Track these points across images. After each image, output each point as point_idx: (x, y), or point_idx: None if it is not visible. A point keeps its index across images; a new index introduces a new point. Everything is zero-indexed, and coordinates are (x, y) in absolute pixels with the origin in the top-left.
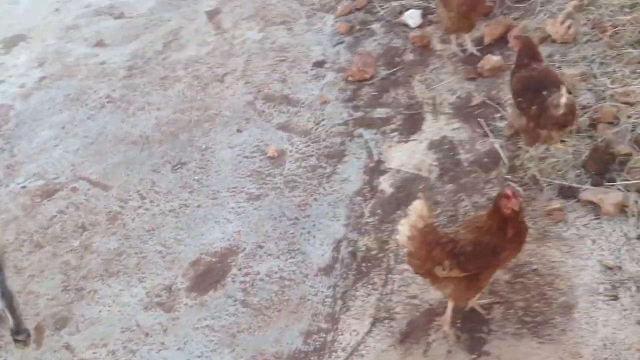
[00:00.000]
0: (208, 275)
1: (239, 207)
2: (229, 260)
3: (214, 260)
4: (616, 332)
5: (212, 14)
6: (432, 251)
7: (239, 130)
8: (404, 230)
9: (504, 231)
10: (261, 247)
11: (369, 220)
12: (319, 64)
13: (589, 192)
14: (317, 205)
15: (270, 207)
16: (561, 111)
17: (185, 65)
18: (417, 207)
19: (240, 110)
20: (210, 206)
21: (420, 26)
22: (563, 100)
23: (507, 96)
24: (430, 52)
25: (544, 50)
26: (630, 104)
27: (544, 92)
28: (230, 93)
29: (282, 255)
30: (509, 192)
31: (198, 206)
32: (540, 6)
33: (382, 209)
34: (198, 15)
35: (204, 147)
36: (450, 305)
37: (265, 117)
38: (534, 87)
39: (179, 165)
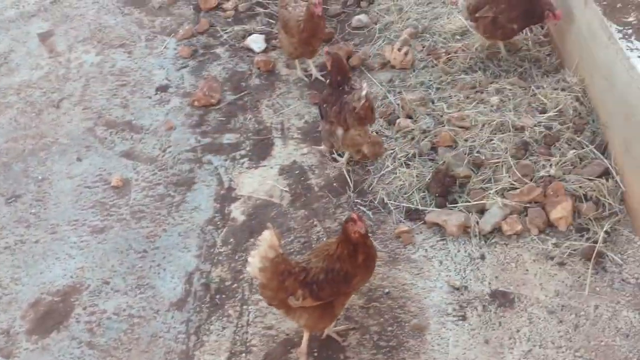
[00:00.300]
0: (50, 316)
1: (82, 242)
2: (72, 299)
3: (55, 299)
4: (466, 352)
5: (45, 37)
6: (284, 281)
7: (78, 159)
8: (254, 262)
9: (354, 257)
10: (107, 283)
11: (221, 249)
12: (162, 89)
13: (433, 214)
14: (167, 236)
15: (115, 240)
16: (362, 102)
17: (17, 90)
18: (267, 237)
19: (80, 137)
20: (49, 241)
21: (264, 51)
22: (363, 92)
23: None
24: (276, 76)
25: (385, 75)
26: (466, 128)
27: (345, 97)
28: (67, 119)
29: (130, 291)
30: (354, 216)
31: (36, 242)
32: (379, 33)
33: (234, 237)
34: (29, 38)
35: (40, 177)
36: (306, 335)
37: (107, 145)
38: (337, 95)
39: (13, 198)
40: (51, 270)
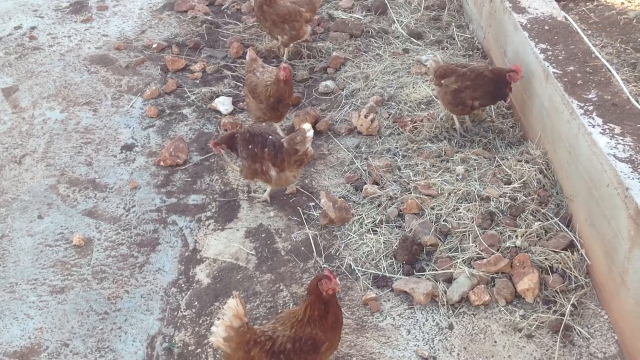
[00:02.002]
0: None
1: (41, 301)
2: None
3: None
4: None
5: (9, 92)
6: (250, 351)
7: (40, 217)
8: (219, 331)
9: (324, 317)
10: (66, 345)
11: (185, 313)
12: (128, 147)
13: (401, 282)
14: (129, 298)
15: (76, 301)
16: (307, 145)
17: None
18: (232, 305)
19: (41, 194)
20: (7, 300)
21: (231, 113)
22: (309, 133)
23: (319, 184)
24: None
25: (351, 141)
26: (432, 196)
27: (270, 137)
28: (29, 176)
29: (90, 354)
30: (327, 273)
31: None
32: (345, 99)
33: (199, 300)
34: None
35: (0, 234)
36: None
37: (69, 203)
38: (260, 134)
39: None
40: (8, 330)
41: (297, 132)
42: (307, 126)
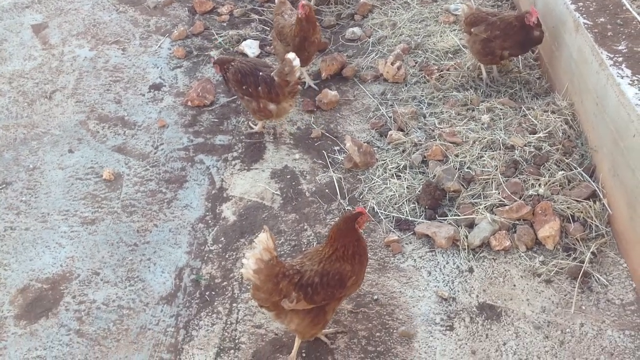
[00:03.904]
0: (38, 303)
1: (72, 232)
2: (61, 288)
3: (45, 287)
4: None
5: (38, 28)
6: (278, 283)
7: (70, 151)
8: (249, 263)
9: (357, 254)
10: (97, 274)
11: (212, 248)
12: (156, 87)
13: (423, 226)
14: (158, 232)
15: (106, 232)
16: (297, 74)
17: (9, 79)
18: (263, 239)
19: (72, 129)
20: (39, 229)
21: (258, 56)
22: (295, 62)
23: (344, 129)
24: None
25: (377, 88)
26: (457, 144)
27: (260, 73)
28: (60, 111)
29: (120, 282)
30: (360, 209)
31: (26, 229)
32: (372, 46)
33: (225, 236)
34: (23, 28)
35: (31, 166)
36: (297, 342)
37: (99, 139)
38: (250, 72)
39: (4, 185)
40: (41, 258)
41: (284, 63)
42: (291, 55)
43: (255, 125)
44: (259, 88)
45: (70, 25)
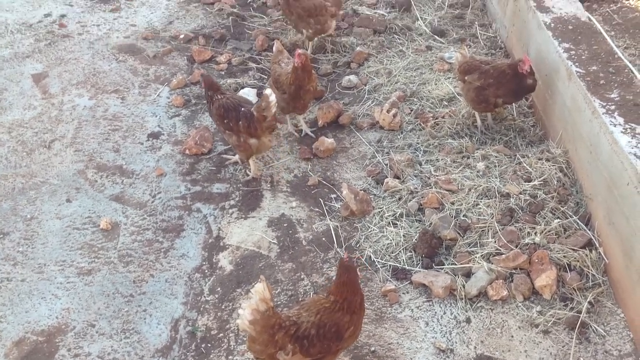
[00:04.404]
0: (33, 356)
1: (69, 282)
2: (56, 340)
3: (40, 339)
4: None
5: (39, 77)
6: (274, 335)
7: (68, 200)
8: (245, 314)
9: (360, 302)
10: (93, 325)
11: (208, 298)
12: (154, 135)
13: (420, 275)
14: (154, 282)
15: (102, 283)
16: (273, 110)
17: (9, 129)
18: (259, 290)
19: (70, 179)
20: (35, 280)
21: None
22: (272, 98)
23: (341, 176)
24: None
25: (373, 135)
26: (453, 191)
27: (242, 109)
28: (58, 160)
29: (115, 335)
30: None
31: (22, 280)
32: (368, 94)
33: (221, 286)
34: (23, 78)
35: (29, 216)
36: None
37: (97, 188)
38: (233, 108)
39: (1, 236)
40: (37, 309)
41: (261, 99)
42: (268, 91)
43: (250, 172)
44: (240, 123)
45: (70, 75)
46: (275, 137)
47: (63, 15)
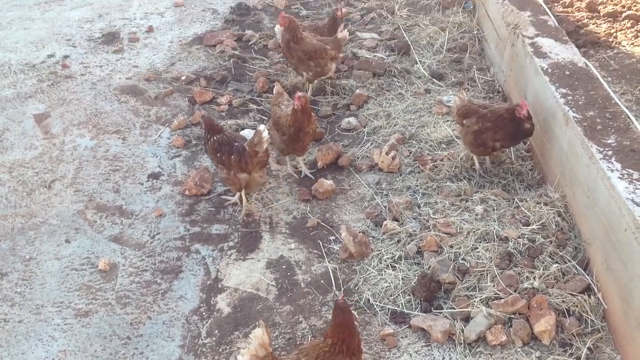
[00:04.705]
0: None
1: (66, 324)
2: None
3: None
4: None
5: (41, 118)
6: None
7: (67, 241)
8: None
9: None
10: None
11: (205, 341)
12: (154, 176)
13: (419, 319)
14: (151, 324)
15: (100, 325)
16: (265, 146)
17: (10, 168)
18: (258, 334)
19: (69, 219)
20: (33, 322)
21: None
22: (265, 134)
23: (340, 218)
24: (267, 171)
25: (372, 177)
26: (451, 234)
27: (236, 144)
28: (58, 201)
29: None
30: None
31: (19, 321)
32: (367, 136)
33: (219, 329)
34: (25, 118)
35: (27, 257)
36: None
37: (96, 228)
38: (227, 142)
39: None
40: (33, 351)
41: (255, 134)
42: (262, 127)
43: (245, 211)
44: (232, 157)
45: (72, 115)
46: (275, 179)
47: (66, 56)
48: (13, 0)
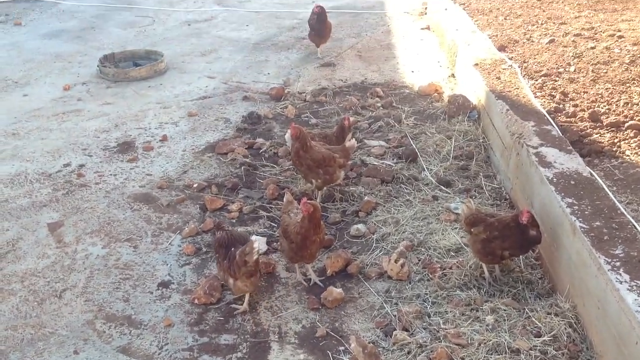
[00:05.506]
0: None
1: None
2: None
3: None
4: None
5: (54, 227)
6: None
7: (75, 352)
8: None
9: None
10: None
11: None
12: (164, 285)
13: None
14: None
15: None
16: (254, 257)
17: (22, 278)
18: None
19: (79, 329)
20: None
21: (265, 253)
22: (256, 245)
23: (349, 327)
24: (276, 279)
25: (382, 285)
26: (462, 345)
27: (232, 248)
28: (68, 310)
29: None
30: None
31: None
32: (376, 243)
33: None
34: (39, 227)
35: None
36: None
37: (104, 339)
38: (225, 245)
39: None
40: None
41: (247, 244)
42: (254, 238)
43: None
44: (225, 261)
45: (85, 224)
46: (284, 286)
47: (82, 165)
48: (32, 111)
